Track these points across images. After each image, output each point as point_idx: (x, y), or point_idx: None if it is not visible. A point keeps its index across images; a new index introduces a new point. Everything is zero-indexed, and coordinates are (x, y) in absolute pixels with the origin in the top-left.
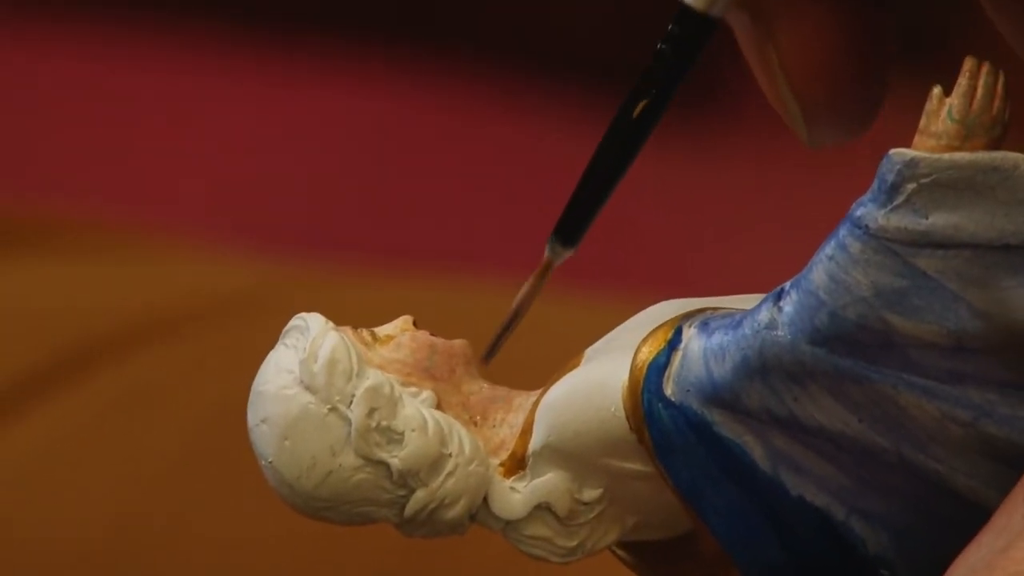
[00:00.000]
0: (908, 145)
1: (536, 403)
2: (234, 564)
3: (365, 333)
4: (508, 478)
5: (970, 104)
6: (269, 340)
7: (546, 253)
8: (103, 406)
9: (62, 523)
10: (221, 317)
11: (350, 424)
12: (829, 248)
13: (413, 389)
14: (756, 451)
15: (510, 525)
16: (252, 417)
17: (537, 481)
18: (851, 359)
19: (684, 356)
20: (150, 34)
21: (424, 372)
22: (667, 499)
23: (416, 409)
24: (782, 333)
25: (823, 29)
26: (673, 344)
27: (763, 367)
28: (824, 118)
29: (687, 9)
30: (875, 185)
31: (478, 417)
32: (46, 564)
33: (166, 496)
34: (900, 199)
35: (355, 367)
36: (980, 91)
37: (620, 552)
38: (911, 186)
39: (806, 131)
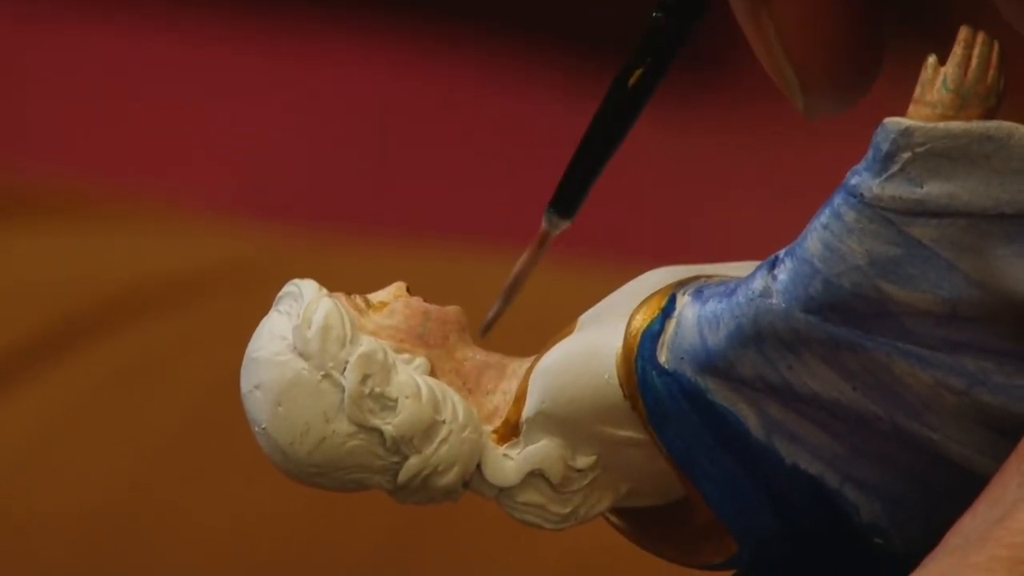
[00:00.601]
0: (903, 114)
1: (530, 370)
2: (234, 536)
3: (359, 299)
4: (501, 445)
5: (965, 74)
6: (267, 310)
7: (543, 225)
8: (101, 378)
9: (60, 498)
10: (220, 287)
11: (343, 390)
12: (824, 216)
13: (406, 356)
14: (750, 419)
15: (503, 492)
16: (245, 383)
17: (530, 448)
18: (845, 327)
19: (678, 324)
20: (147, 2)
21: (417, 338)
22: (660, 466)
23: (410, 376)
24: (776, 301)
25: None
26: (667, 312)
27: (757, 335)
28: (820, 87)
29: None
30: (870, 154)
31: (471, 384)
32: (43, 539)
33: (166, 469)
34: (895, 168)
35: (348, 333)
36: (975, 61)
37: (613, 519)
38: (906, 155)
39: (802, 100)
